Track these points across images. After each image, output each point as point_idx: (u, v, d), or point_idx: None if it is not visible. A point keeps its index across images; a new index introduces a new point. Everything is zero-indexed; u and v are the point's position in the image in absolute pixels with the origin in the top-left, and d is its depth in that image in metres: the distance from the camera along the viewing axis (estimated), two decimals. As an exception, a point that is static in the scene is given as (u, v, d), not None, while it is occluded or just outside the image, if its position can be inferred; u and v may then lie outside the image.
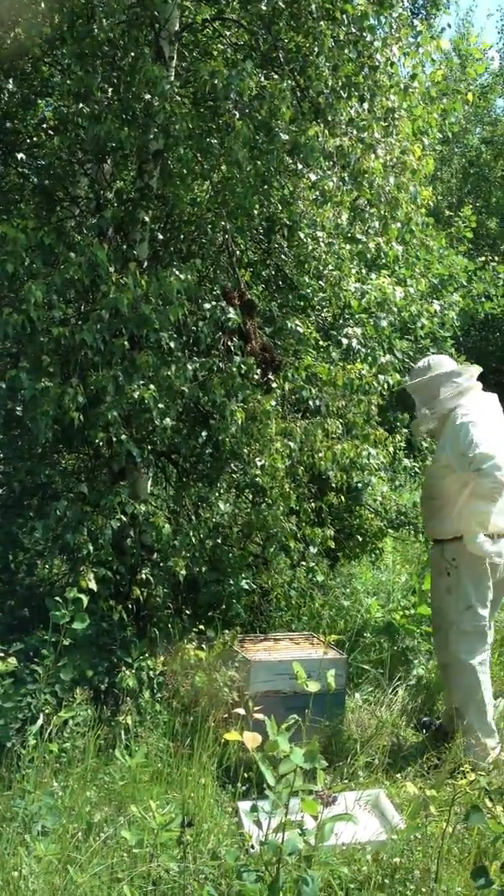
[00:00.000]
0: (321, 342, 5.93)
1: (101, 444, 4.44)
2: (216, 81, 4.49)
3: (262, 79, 4.86)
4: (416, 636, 5.56)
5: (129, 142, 4.59)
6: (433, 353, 7.69)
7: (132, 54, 4.72)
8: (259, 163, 4.81)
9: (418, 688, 5.18)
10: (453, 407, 4.41)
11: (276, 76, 5.04)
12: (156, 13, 4.80)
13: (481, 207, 15.50)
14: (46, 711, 3.71)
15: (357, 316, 6.29)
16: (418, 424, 4.60)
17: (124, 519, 4.44)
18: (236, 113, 4.69)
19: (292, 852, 2.37)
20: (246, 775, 3.74)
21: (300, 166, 5.08)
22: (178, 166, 4.95)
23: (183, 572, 4.62)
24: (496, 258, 9.61)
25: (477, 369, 4.63)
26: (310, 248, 5.73)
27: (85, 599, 3.77)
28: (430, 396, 4.48)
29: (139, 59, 4.58)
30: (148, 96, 4.57)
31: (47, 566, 5.11)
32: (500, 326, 14.45)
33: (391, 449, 6.07)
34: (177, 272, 4.45)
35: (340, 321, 6.32)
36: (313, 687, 2.71)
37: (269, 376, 5.13)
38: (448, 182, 16.18)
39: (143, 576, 4.62)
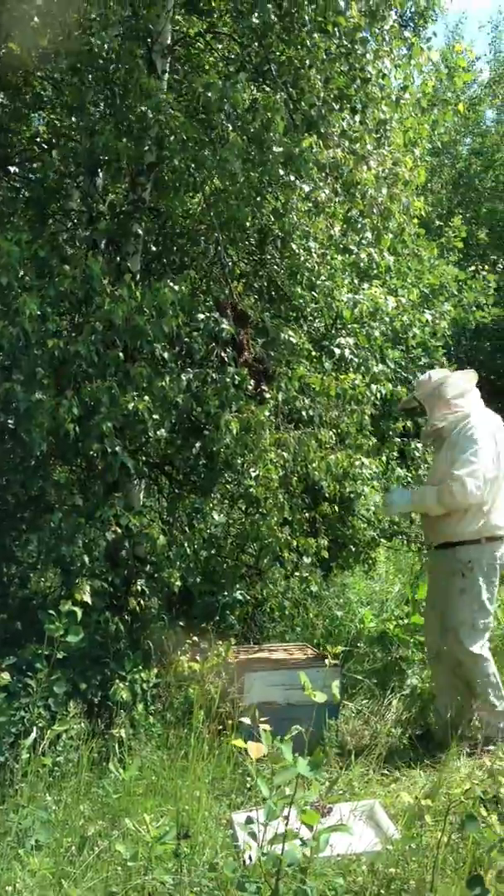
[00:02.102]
0: (314, 352, 5.95)
1: (95, 455, 4.44)
2: (210, 94, 4.52)
3: (255, 91, 4.88)
4: (410, 646, 5.56)
5: (126, 154, 4.61)
6: (425, 364, 7.73)
7: (126, 67, 4.74)
8: (253, 174, 4.83)
9: (412, 697, 5.17)
10: (463, 415, 4.58)
11: (268, 89, 5.06)
12: (150, 26, 4.82)
13: (471, 218, 15.55)
14: (40, 725, 3.70)
15: (349, 326, 6.31)
16: (427, 432, 4.78)
17: (119, 531, 4.44)
18: (229, 125, 4.71)
19: (291, 863, 2.37)
20: (245, 783, 3.74)
21: (293, 178, 5.10)
22: (172, 178, 4.97)
23: (177, 583, 4.62)
24: (486, 268, 9.64)
25: (473, 373, 4.83)
26: (302, 259, 5.75)
27: (79, 612, 3.76)
28: (442, 403, 4.65)
29: (134, 72, 4.60)
30: (143, 108, 4.59)
31: (41, 579, 5.09)
32: (491, 336, 14.49)
33: (384, 458, 6.09)
34: (170, 284, 4.46)
35: (333, 331, 6.34)
36: (320, 698, 2.70)
37: (263, 387, 5.14)
38: (438, 193, 16.23)
39: (139, 587, 4.62)
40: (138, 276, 4.96)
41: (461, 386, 4.70)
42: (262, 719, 3.20)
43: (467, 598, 4.49)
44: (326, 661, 4.24)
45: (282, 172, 4.99)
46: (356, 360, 6.11)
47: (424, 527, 4.96)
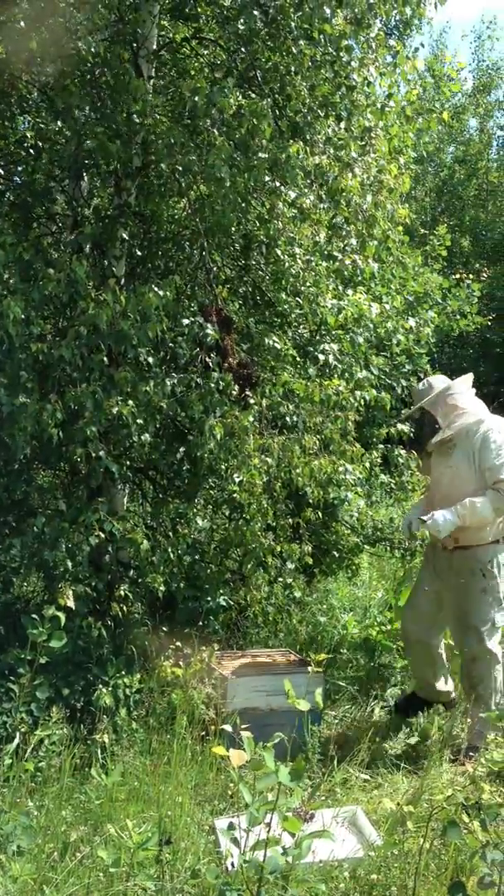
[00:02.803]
0: (298, 358, 5.95)
1: (79, 460, 4.42)
2: (196, 99, 4.53)
3: (241, 97, 4.89)
4: (393, 652, 5.57)
5: (118, 156, 4.61)
6: (409, 371, 7.76)
7: (113, 71, 4.74)
8: (238, 180, 4.84)
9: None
10: (475, 420, 4.59)
11: (254, 95, 5.07)
12: (136, 31, 4.83)
13: (455, 226, 15.64)
14: (22, 730, 3.68)
15: (334, 332, 6.32)
16: (435, 442, 4.71)
17: (102, 535, 4.42)
18: (215, 131, 4.73)
19: (273, 870, 2.36)
20: (227, 788, 3.74)
21: (278, 184, 5.11)
22: (158, 183, 4.97)
23: (161, 589, 4.61)
24: (470, 276, 9.69)
25: (470, 375, 4.86)
26: (287, 264, 5.76)
27: (62, 617, 3.75)
28: (448, 408, 4.64)
29: (120, 76, 4.60)
30: (131, 111, 4.59)
31: (24, 583, 5.07)
32: (474, 343, 14.57)
33: (368, 465, 6.10)
34: (155, 288, 4.46)
35: (317, 337, 6.35)
36: (303, 705, 2.70)
37: (247, 392, 5.14)
38: (422, 201, 16.33)
39: (122, 592, 4.61)
40: (123, 281, 4.96)
41: (464, 388, 4.74)
42: (243, 726, 3.20)
43: (489, 598, 4.55)
44: (309, 667, 4.24)
45: (267, 178, 5.01)
46: (340, 366, 6.12)
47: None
